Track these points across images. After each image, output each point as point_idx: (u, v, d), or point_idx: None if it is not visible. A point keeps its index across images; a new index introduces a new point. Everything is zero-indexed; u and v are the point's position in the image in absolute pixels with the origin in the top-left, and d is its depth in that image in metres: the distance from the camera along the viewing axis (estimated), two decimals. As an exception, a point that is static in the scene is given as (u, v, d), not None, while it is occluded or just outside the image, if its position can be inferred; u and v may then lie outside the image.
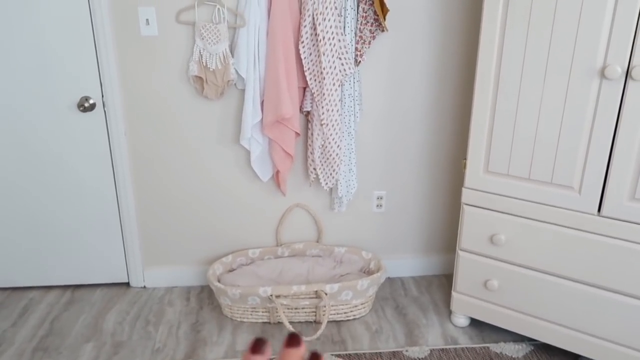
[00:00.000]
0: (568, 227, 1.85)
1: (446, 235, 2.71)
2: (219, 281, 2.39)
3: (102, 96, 2.29)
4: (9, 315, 2.38)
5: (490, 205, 2.00)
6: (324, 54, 2.13)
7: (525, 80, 1.80)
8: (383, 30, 2.21)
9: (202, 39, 2.17)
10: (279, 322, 2.31)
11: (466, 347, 2.15)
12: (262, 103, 2.26)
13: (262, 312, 2.29)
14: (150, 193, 2.47)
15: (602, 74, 1.65)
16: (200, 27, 2.16)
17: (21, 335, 2.25)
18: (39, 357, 2.10)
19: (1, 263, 2.54)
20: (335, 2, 2.11)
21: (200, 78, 2.23)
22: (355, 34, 2.21)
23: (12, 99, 2.27)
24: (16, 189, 2.41)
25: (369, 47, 2.24)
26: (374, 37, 2.22)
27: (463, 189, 2.05)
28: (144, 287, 2.63)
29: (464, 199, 2.06)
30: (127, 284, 2.64)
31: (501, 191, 1.96)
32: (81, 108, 2.25)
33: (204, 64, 2.20)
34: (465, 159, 2.03)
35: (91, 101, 2.28)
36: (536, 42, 1.74)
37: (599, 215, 1.79)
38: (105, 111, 2.31)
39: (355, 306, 2.31)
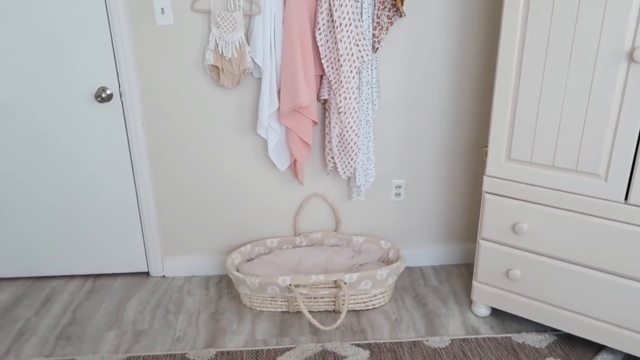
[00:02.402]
0: (593, 216, 1.81)
1: (466, 224, 2.67)
2: (237, 270, 2.40)
3: (119, 86, 2.29)
4: (31, 304, 2.42)
5: (512, 194, 1.96)
6: (340, 41, 2.09)
7: (548, 64, 1.74)
8: (401, 16, 2.17)
9: (218, 27, 2.15)
10: (298, 312, 2.30)
11: (487, 337, 2.12)
12: (278, 91, 2.24)
13: (281, 301, 2.28)
14: (168, 182, 2.48)
15: (631, 57, 1.59)
16: (216, 15, 2.13)
17: (44, 324, 2.28)
18: (62, 346, 2.14)
19: (23, 253, 2.58)
20: (352, -13, 2.06)
21: (217, 67, 2.22)
22: (373, 19, 2.16)
23: (30, 92, 2.28)
24: (36, 181, 2.44)
25: (386, 33, 2.19)
26: (391, 23, 2.17)
27: (484, 177, 2.01)
28: (164, 276, 2.65)
29: (485, 187, 2.02)
30: (147, 274, 2.67)
31: (524, 179, 1.92)
32: (98, 99, 2.26)
33: (220, 52, 2.18)
34: (487, 146, 1.99)
35: (108, 92, 2.28)
36: (560, 24, 1.68)
37: (626, 203, 1.74)
38: (122, 101, 2.31)
39: (375, 296, 2.30)
